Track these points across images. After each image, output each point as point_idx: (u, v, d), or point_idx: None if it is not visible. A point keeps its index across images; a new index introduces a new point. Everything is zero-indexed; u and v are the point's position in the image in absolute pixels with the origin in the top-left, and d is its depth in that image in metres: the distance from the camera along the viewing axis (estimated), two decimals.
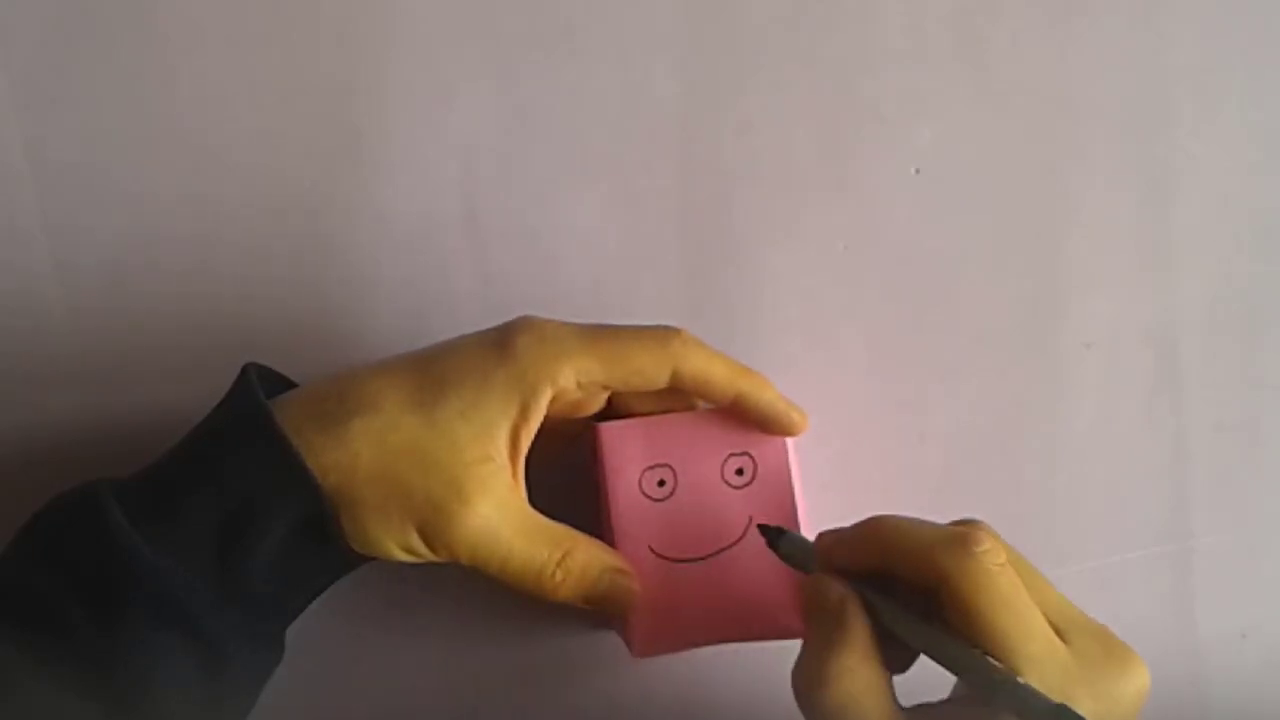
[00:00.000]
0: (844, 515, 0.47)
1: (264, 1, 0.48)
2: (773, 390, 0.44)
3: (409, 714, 0.48)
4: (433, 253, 0.49)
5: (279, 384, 0.43)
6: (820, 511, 0.46)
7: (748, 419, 0.44)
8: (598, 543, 0.43)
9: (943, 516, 0.49)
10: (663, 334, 0.42)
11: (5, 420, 0.47)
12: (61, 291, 0.48)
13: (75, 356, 0.48)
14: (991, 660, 0.36)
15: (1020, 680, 0.36)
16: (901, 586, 0.39)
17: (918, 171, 0.50)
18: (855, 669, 0.37)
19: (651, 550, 0.44)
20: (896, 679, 0.38)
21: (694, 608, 0.44)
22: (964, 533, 0.38)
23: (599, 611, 0.43)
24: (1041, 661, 0.37)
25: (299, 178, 0.49)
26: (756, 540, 0.43)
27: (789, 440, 0.44)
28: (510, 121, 0.49)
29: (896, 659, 0.39)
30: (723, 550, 0.44)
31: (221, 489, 0.39)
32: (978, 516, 0.49)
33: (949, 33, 0.50)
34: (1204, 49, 0.51)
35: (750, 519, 0.44)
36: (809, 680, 0.38)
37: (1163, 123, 0.51)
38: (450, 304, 0.49)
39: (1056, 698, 0.35)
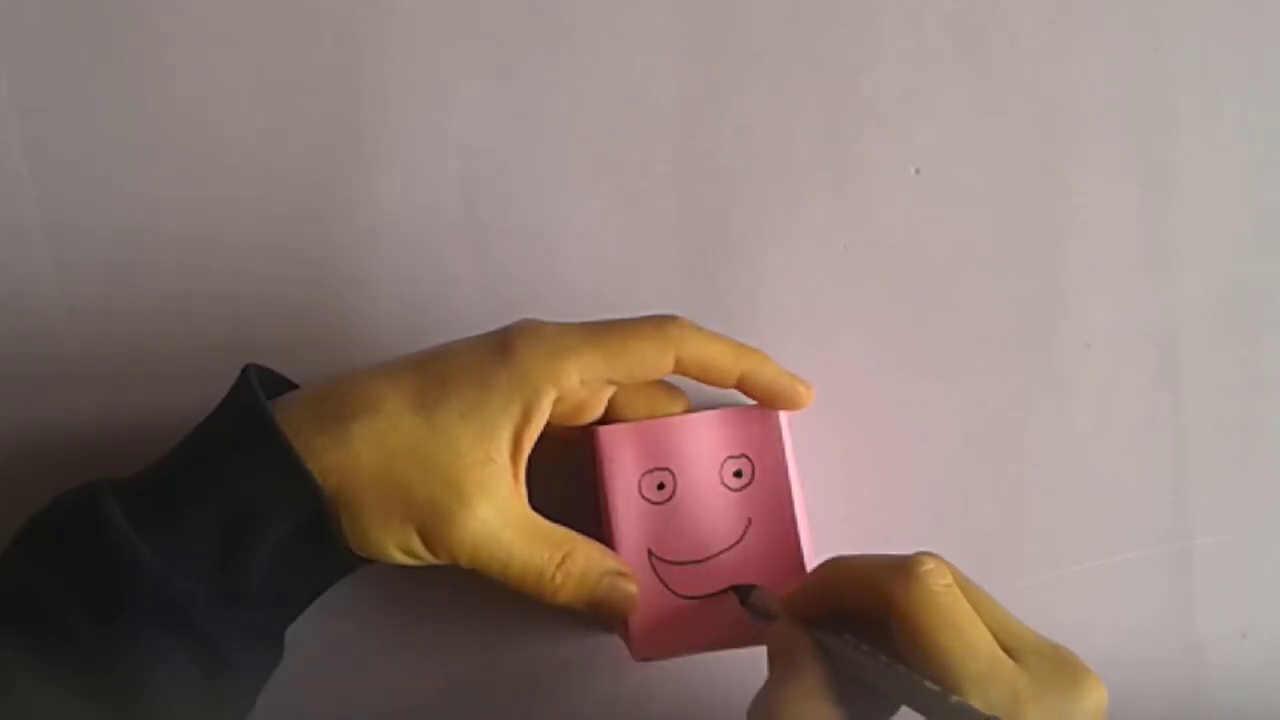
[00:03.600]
0: (843, 516, 0.47)
1: (264, 1, 0.48)
2: (775, 365, 0.44)
3: (408, 716, 0.48)
4: (433, 253, 0.49)
5: (279, 385, 0.43)
6: (819, 513, 0.46)
7: (754, 396, 0.44)
8: (598, 545, 0.43)
9: (943, 516, 0.50)
10: (660, 322, 0.42)
11: (5, 420, 0.47)
12: (61, 291, 0.48)
13: (75, 356, 0.48)
14: (927, 682, 0.36)
15: (953, 698, 0.35)
16: (863, 626, 0.39)
17: (918, 171, 0.50)
18: (798, 701, 0.37)
19: (651, 553, 0.44)
20: None
21: (694, 611, 0.44)
22: (909, 558, 0.39)
23: (599, 614, 0.43)
24: (985, 679, 0.36)
25: (299, 178, 0.49)
26: (756, 543, 0.44)
27: (788, 442, 0.44)
28: (510, 121, 0.49)
29: (875, 708, 0.39)
30: (722, 553, 0.44)
31: (222, 490, 0.39)
32: (978, 516, 0.50)
33: (949, 33, 0.50)
34: (1204, 49, 0.51)
35: (750, 521, 0.44)
36: (759, 714, 0.38)
37: (1163, 123, 0.51)
38: (450, 304, 0.49)
39: (1003, 715, 0.35)
